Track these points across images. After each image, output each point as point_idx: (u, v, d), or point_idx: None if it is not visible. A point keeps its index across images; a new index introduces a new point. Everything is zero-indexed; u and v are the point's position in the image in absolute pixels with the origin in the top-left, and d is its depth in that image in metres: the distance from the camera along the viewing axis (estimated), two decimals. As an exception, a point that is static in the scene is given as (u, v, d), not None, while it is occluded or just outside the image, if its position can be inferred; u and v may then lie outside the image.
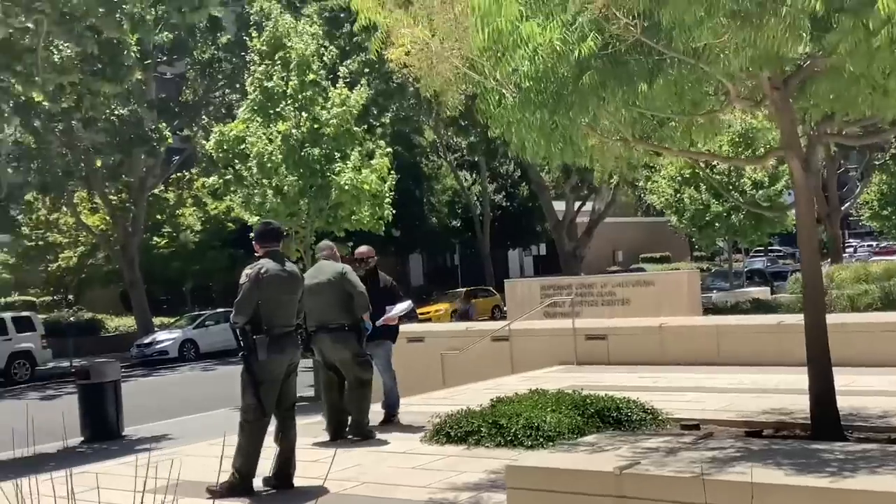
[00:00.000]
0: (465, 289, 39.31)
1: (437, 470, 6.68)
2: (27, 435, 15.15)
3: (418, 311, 35.37)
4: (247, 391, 6.35)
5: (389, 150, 17.94)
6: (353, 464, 7.11)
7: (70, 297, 38.79)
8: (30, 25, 13.92)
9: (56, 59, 14.70)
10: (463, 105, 7.31)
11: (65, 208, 31.89)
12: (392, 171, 18.11)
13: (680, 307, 14.21)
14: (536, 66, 5.94)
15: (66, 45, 14.72)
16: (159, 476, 6.69)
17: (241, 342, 6.37)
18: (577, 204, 37.71)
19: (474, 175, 45.85)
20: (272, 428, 6.50)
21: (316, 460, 7.29)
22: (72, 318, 32.91)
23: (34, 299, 40.93)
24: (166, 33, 29.66)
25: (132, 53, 17.77)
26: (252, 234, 7.06)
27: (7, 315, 26.86)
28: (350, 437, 8.09)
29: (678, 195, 29.70)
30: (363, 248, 9.13)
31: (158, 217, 34.60)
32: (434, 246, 47.27)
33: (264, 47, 17.15)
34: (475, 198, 45.16)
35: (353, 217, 17.06)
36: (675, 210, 30.32)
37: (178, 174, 35.69)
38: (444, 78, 6.48)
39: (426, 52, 6.14)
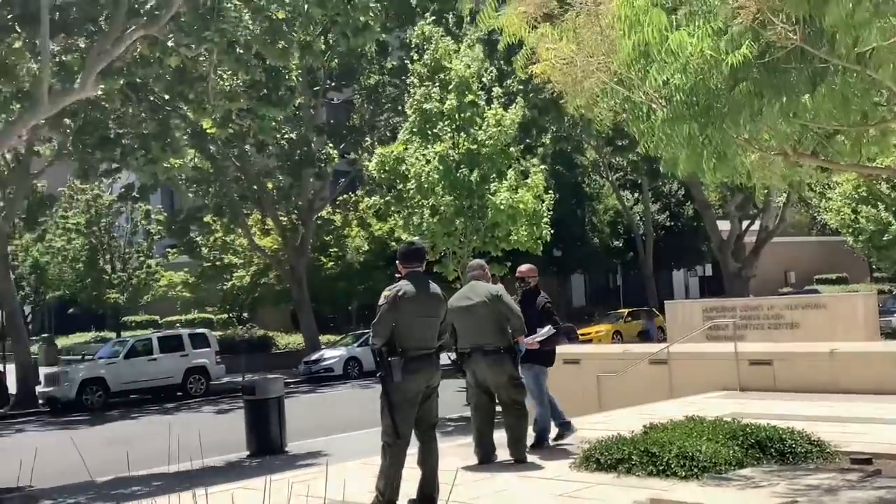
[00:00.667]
0: (635, 309, 38.46)
1: (582, 498, 6.46)
2: (199, 448, 15.95)
3: (579, 332, 34.99)
4: (384, 413, 6.34)
5: (544, 167, 17.79)
6: (499, 488, 6.97)
7: (244, 315, 40.53)
8: (202, 54, 14.61)
9: (225, 87, 15.37)
10: (611, 121, 7.09)
11: (239, 230, 33.34)
12: (550, 191, 17.93)
13: (855, 331, 13.35)
14: (687, 77, 5.69)
15: (232, 73, 15.37)
16: (312, 494, 6.81)
17: (379, 364, 6.37)
18: (745, 223, 36.32)
19: (637, 195, 45.00)
20: (415, 450, 6.46)
21: (461, 484, 7.19)
22: (245, 336, 34.30)
23: (212, 317, 43.02)
24: (336, 60, 30.62)
25: (295, 78, 18.44)
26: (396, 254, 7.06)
27: (184, 332, 28.28)
28: (505, 460, 7.97)
29: (854, 214, 28.14)
30: (524, 267, 8.94)
31: (326, 238, 35.67)
32: (596, 266, 46.63)
33: (425, 70, 17.40)
34: (638, 217, 44.29)
35: (510, 237, 16.97)
36: (851, 230, 28.73)
37: (345, 196, 36.70)
38: (590, 93, 6.31)
39: (571, 67, 5.98)
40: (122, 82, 14.38)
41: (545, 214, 17.25)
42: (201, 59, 14.61)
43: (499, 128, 16.71)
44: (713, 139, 5.99)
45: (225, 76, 15.82)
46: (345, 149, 31.17)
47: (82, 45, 14.94)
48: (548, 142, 28.99)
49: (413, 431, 6.44)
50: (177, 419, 21.57)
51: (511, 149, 17.27)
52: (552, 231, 17.61)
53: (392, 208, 17.74)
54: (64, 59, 14.57)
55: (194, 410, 22.74)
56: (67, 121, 21.22)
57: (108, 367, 25.04)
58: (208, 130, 16.07)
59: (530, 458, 7.98)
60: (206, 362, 26.48)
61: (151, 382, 25.62)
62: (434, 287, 6.71)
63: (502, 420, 8.06)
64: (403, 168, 17.01)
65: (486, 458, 7.98)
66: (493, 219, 16.52)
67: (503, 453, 8.00)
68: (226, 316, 41.61)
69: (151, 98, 15.92)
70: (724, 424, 7.66)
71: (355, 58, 30.37)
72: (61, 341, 42.66)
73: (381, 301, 6.49)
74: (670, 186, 44.88)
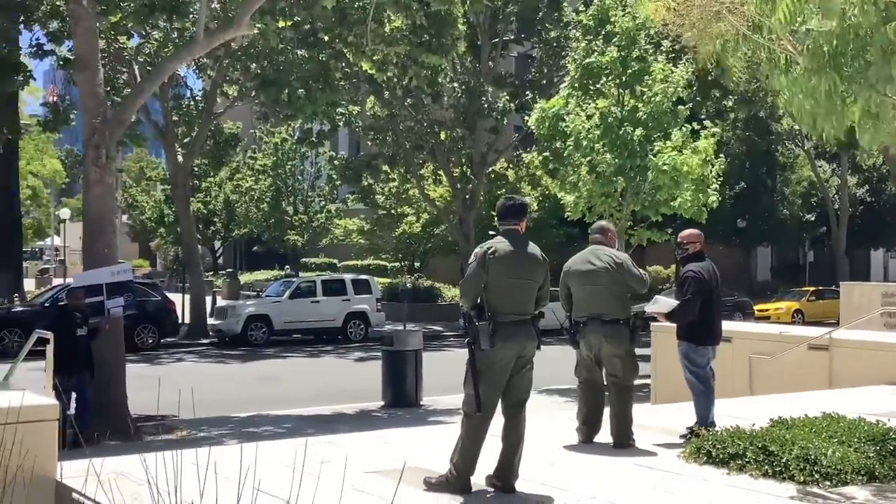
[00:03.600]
0: (821, 287, 36.02)
1: (681, 494, 5.77)
2: (338, 393, 16.16)
3: (756, 308, 33.16)
4: (468, 382, 5.83)
5: (717, 130, 16.55)
6: (593, 473, 6.37)
7: (416, 264, 40.95)
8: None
9: (386, 31, 15.09)
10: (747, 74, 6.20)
11: (412, 180, 33.48)
12: (721, 155, 16.72)
13: None
14: (833, 22, 4.80)
15: (395, 16, 15.05)
16: (396, 457, 6.47)
17: (466, 328, 5.85)
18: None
19: (834, 166, 42.03)
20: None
21: (553, 464, 6.63)
22: (408, 285, 34.56)
23: (386, 264, 43.79)
24: (515, 11, 29.96)
25: (460, 26, 17.98)
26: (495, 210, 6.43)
27: (347, 277, 28.76)
28: (609, 442, 7.32)
29: None
30: (684, 232, 7.99)
31: (498, 193, 35.30)
32: (784, 240, 44.06)
33: (590, 22, 16.54)
34: (834, 191, 41.40)
35: (672, 201, 15.95)
36: None
37: (518, 152, 36.16)
38: (720, 39, 5.48)
39: (689, 7, 5.18)
40: (279, 23, 14.36)
41: (713, 181, 16.09)
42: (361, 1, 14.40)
43: (665, 84, 15.65)
44: (861, 95, 5.07)
45: (388, 20, 15.54)
46: (521, 103, 30.54)
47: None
48: (731, 104, 27.22)
49: (499, 405, 5.93)
50: (327, 362, 21.96)
51: (680, 107, 16.17)
52: (718, 198, 16.35)
53: (550, 165, 17.08)
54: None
55: (345, 356, 23.05)
56: (253, 65, 21.83)
57: (273, 306, 25.78)
58: (368, 71, 15.86)
59: (642, 444, 7.28)
60: (366, 308, 26.80)
61: (313, 324, 26.21)
62: (533, 247, 6.12)
63: (608, 398, 7.40)
64: (563, 125, 16.27)
65: (588, 438, 7.36)
66: (654, 181, 15.55)
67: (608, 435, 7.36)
68: (398, 264, 42.21)
69: (311, 39, 15.89)
70: (865, 426, 6.72)
71: (534, 10, 29.57)
72: (245, 277, 44.60)
73: (471, 259, 5.97)
74: (874, 161, 41.66)
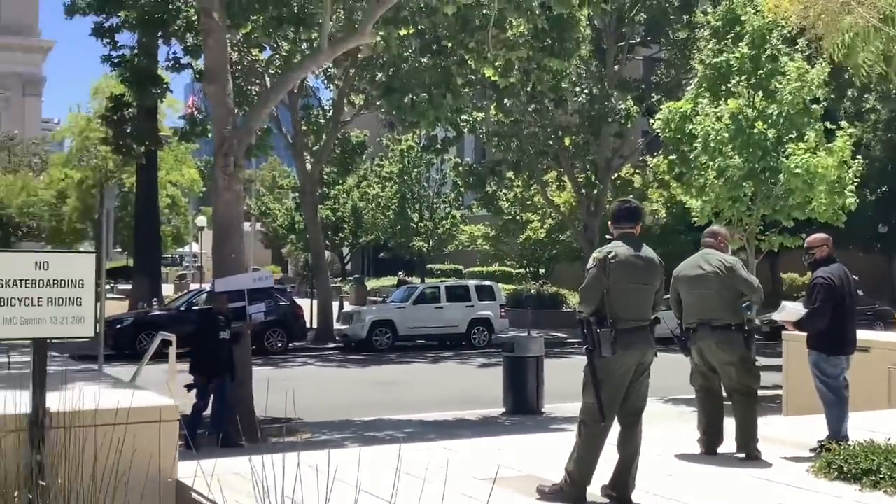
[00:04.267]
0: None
1: (806, 512, 5.49)
2: (460, 399, 16.17)
3: (899, 318, 31.51)
4: (587, 390, 5.71)
5: (854, 131, 15.79)
6: (713, 486, 6.13)
7: (541, 270, 40.72)
8: (482, 2, 14.36)
9: (508, 36, 15.03)
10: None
11: (536, 186, 33.30)
12: (859, 157, 15.95)
13: None
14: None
15: (515, 21, 14.98)
16: (512, 464, 6.40)
17: (585, 335, 5.73)
18: None
19: None
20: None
21: (672, 475, 6.42)
22: (532, 291, 34.37)
23: (511, 271, 43.71)
24: (640, 10, 29.45)
25: (583, 30, 17.77)
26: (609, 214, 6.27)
27: (471, 283, 28.80)
28: (732, 453, 7.04)
29: None
30: (812, 237, 7.71)
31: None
32: (932, 246, 41.69)
33: (718, 23, 16.05)
34: None
35: (806, 206, 15.29)
36: None
37: (645, 156, 35.49)
38: (851, 33, 5.18)
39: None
40: (402, 31, 14.49)
41: (850, 182, 15.35)
42: (482, 4, 14.37)
43: (801, 83, 15.03)
44: None
45: (510, 25, 15.49)
46: (647, 107, 29.96)
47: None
48: (871, 104, 25.99)
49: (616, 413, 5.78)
50: (449, 368, 22.02)
51: (814, 106, 15.50)
52: (856, 201, 15.56)
53: (676, 169, 16.66)
54: (344, 7, 15.00)
55: (467, 362, 23.07)
56: (378, 74, 22.17)
57: (398, 312, 26.06)
58: (491, 78, 15.84)
59: (768, 455, 6.97)
60: (490, 314, 26.79)
61: (436, 329, 26.37)
62: (648, 251, 5.95)
63: (731, 407, 7.12)
64: (690, 127, 15.84)
65: (709, 449, 7.10)
66: (786, 184, 14.94)
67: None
68: (523, 271, 42.06)
69: (434, 47, 15.98)
70: None
71: (662, 12, 28.97)
72: (371, 283, 45.29)
73: (590, 265, 5.85)
74: None
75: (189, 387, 11.61)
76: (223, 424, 11.38)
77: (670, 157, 16.76)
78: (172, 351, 7.64)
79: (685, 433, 7.75)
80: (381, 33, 13.66)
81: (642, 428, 5.83)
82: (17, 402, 5.03)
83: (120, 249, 39.77)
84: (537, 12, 14.74)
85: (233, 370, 11.86)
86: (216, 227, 12.82)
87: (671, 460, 6.88)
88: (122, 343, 22.04)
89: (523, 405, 14.40)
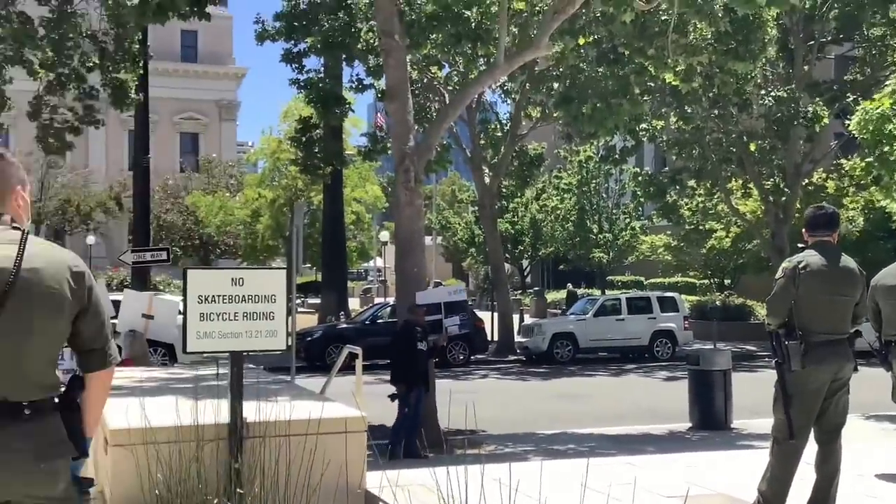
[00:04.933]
0: None
1: None
2: (643, 413, 15.82)
3: None
4: (777, 405, 5.45)
5: None
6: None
7: (726, 281, 39.40)
8: (661, 7, 14.06)
9: (690, 41, 14.64)
10: None
11: (720, 194, 32.26)
12: None
13: None
14: None
15: (696, 25, 14.57)
16: (699, 482, 6.19)
17: (774, 348, 5.47)
18: None
19: None
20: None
21: (876, 497, 6.02)
22: (717, 303, 33.27)
23: (695, 281, 42.53)
24: (834, 11, 28.08)
25: (770, 31, 17.04)
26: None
27: (653, 294, 28.19)
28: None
29: None
30: None
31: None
32: None
33: (918, 13, 15.08)
34: None
35: None
36: None
37: (839, 160, 33.71)
38: None
39: None
40: (580, 41, 14.38)
41: None
42: (661, 10, 14.06)
43: None
44: None
45: (691, 29, 15.10)
46: (839, 108, 28.47)
47: (540, 7, 15.25)
48: None
49: (812, 431, 5.49)
50: (632, 381, 21.59)
51: None
52: None
53: (874, 172, 15.72)
54: (520, 20, 15.03)
55: (651, 375, 22.55)
56: (555, 85, 22.14)
57: (578, 324, 25.83)
58: (672, 84, 15.49)
59: None
60: (673, 326, 26.13)
61: (618, 342, 25.96)
62: (847, 260, 5.62)
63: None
64: (890, 127, 14.91)
65: (918, 471, 6.63)
66: None
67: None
68: (707, 281, 40.84)
69: (612, 55, 15.76)
70: None
71: (858, 7, 27.46)
72: (551, 295, 45.16)
73: (779, 275, 5.60)
74: None
75: (392, 397, 11.90)
76: (414, 436, 11.59)
77: (868, 160, 15.85)
78: (359, 363, 7.85)
79: (887, 452, 7.28)
80: (557, 45, 13.61)
81: (841, 446, 5.50)
82: (216, 412, 5.29)
83: (309, 265, 41.37)
84: (720, 15, 14.29)
85: (427, 382, 12.07)
86: (398, 242, 13.12)
87: (872, 481, 6.47)
88: (313, 355, 22.90)
89: (710, 420, 13.94)
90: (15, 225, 2.85)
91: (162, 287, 32.73)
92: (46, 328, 2.76)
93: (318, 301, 35.74)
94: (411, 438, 11.51)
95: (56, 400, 2.82)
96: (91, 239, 45.96)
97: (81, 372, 2.93)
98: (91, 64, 22.93)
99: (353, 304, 40.22)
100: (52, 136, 23.65)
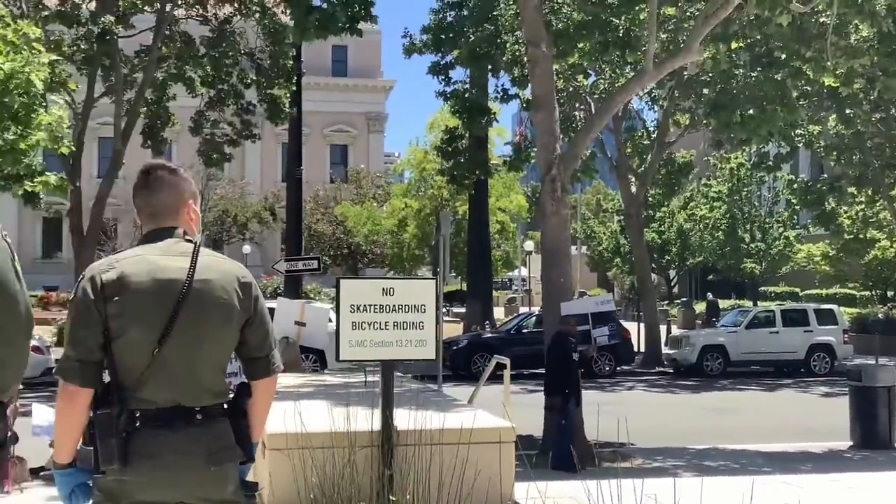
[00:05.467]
0: None
1: None
2: (799, 430, 15.18)
3: None
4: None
5: None
6: None
7: (889, 293, 37.48)
8: (819, 8, 13.54)
9: (850, 43, 14.04)
10: None
11: (883, 201, 30.72)
12: None
13: None
14: None
15: (861, 25, 13.96)
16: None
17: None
18: None
19: None
20: None
21: None
22: (880, 315, 31.65)
23: (854, 293, 40.61)
24: None
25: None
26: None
27: (810, 306, 27.06)
28: None
29: None
30: None
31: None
32: None
33: None
34: None
35: None
36: None
37: None
38: None
39: None
40: (732, 45, 13.98)
41: None
42: (819, 12, 13.54)
43: None
44: None
45: (851, 30, 14.48)
46: None
47: (691, 12, 14.94)
48: None
49: None
50: (787, 396, 20.78)
51: None
52: None
53: None
54: (669, 26, 14.75)
55: (807, 390, 21.64)
56: (705, 91, 21.65)
57: (729, 336, 25.06)
58: (832, 87, 14.86)
59: None
60: (831, 340, 24.98)
61: (772, 355, 25.01)
62: None
63: None
64: None
65: None
66: None
67: None
68: (868, 293, 38.95)
69: (766, 59, 15.27)
70: None
71: None
72: (699, 306, 44.04)
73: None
74: None
75: (550, 408, 11.84)
76: (567, 447, 11.50)
77: None
78: (507, 374, 7.85)
79: None
80: (708, 50, 13.29)
81: None
82: (368, 419, 5.40)
83: (454, 274, 41.75)
84: (882, 15, 13.63)
85: (578, 393, 11.97)
86: (544, 252, 13.08)
87: None
88: (458, 364, 23.06)
89: (873, 439, 13.25)
90: (187, 237, 2.99)
91: (312, 295, 33.74)
92: (217, 336, 2.89)
93: (463, 310, 36.00)
94: (565, 450, 11.40)
95: (224, 406, 2.94)
96: (247, 248, 47.78)
97: (247, 379, 3.04)
98: (248, 81, 23.93)
99: (498, 313, 40.31)
100: (212, 149, 24.82)
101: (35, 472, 8.63)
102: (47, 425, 8.04)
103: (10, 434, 2.76)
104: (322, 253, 42.44)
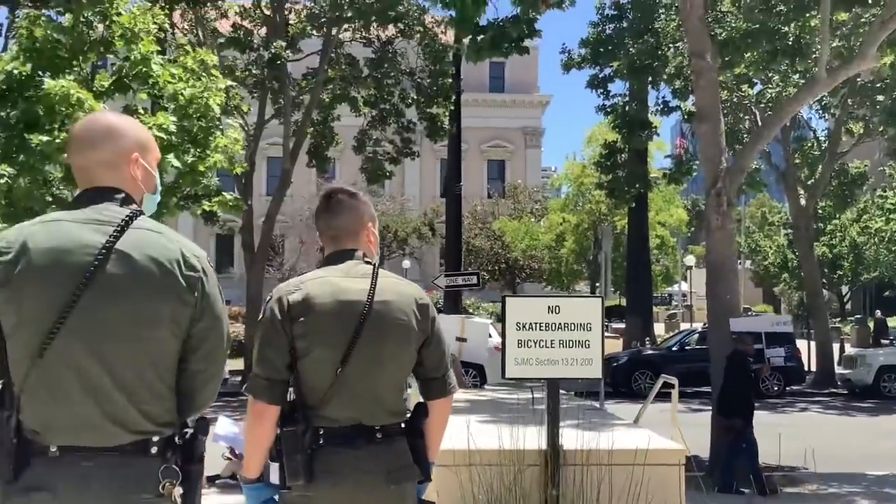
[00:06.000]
0: None
1: None
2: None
3: None
4: None
5: None
6: None
7: None
8: None
9: None
10: None
11: None
12: None
13: None
14: None
15: None
16: None
17: None
18: None
19: None
20: None
21: None
22: None
23: None
24: None
25: None
26: None
27: None
28: None
29: None
30: None
31: None
32: None
33: None
34: None
35: None
36: None
37: None
38: None
39: None
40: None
41: None
42: None
43: None
44: None
45: None
46: None
47: (865, 18, 14.24)
48: None
49: None
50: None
51: None
52: None
53: None
54: (843, 31, 14.09)
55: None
56: (879, 98, 20.61)
57: (912, 356, 23.68)
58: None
59: None
60: None
61: (959, 377, 23.45)
62: None
63: None
64: None
65: None
66: None
67: None
68: None
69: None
70: None
71: None
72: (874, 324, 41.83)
73: None
74: None
75: (725, 429, 11.50)
76: (729, 468, 11.15)
77: None
78: (675, 393, 7.68)
79: None
80: (885, 56, 12.66)
81: None
82: (535, 436, 5.39)
83: (613, 289, 41.22)
84: None
85: (751, 413, 11.55)
86: (709, 267, 12.72)
87: None
88: (618, 381, 22.73)
89: None
90: (367, 259, 3.08)
91: (471, 310, 34.02)
92: (396, 357, 2.96)
93: (622, 325, 35.47)
94: (736, 473, 11.05)
95: (402, 425, 3.00)
96: (406, 263, 48.70)
97: (423, 399, 3.09)
98: (409, 100, 24.46)
99: (658, 329, 39.51)
100: (374, 167, 25.48)
101: (211, 480, 9.04)
102: (229, 435, 8.43)
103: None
104: (480, 268, 42.75)
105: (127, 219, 2.32)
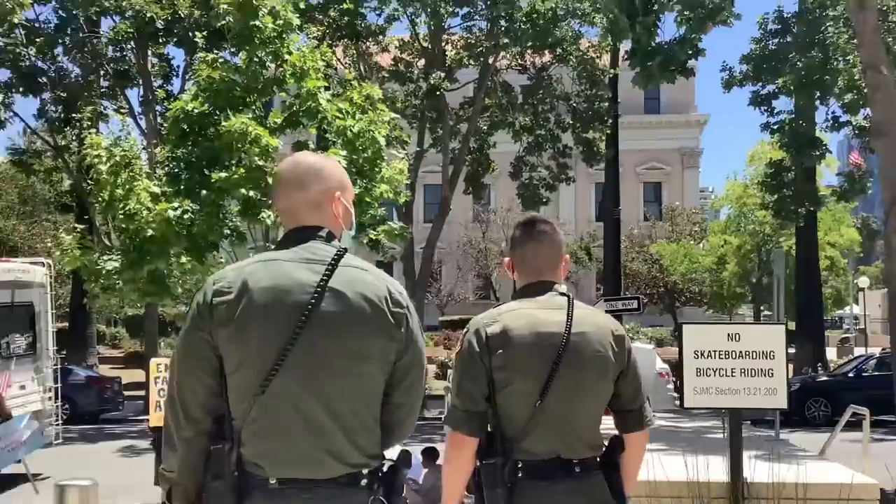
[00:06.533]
0: None
1: None
2: None
3: None
4: None
5: None
6: None
7: None
8: None
9: None
10: None
11: None
12: None
13: None
14: None
15: None
16: None
17: None
18: None
19: None
20: None
21: None
22: None
23: None
24: None
25: None
26: None
27: None
28: None
29: None
30: None
31: None
32: None
33: None
34: None
35: None
36: None
37: None
38: None
39: None
40: None
41: None
42: None
43: None
44: None
45: None
46: None
47: None
48: None
49: None
50: None
51: None
52: None
53: None
54: None
55: None
56: None
57: None
58: None
59: None
60: None
61: None
62: None
63: None
64: None
65: None
66: None
67: None
68: None
69: None
70: None
71: None
72: None
73: None
74: None
75: None
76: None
77: None
78: (866, 424, 7.30)
79: None
80: None
81: None
82: (718, 468, 5.24)
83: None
84: None
85: None
86: (891, 291, 12.06)
87: None
88: (791, 408, 21.76)
89: None
90: (561, 291, 3.08)
91: (632, 335, 33.42)
92: (593, 389, 2.94)
93: (792, 350, 34.04)
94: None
95: (598, 459, 2.97)
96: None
97: (619, 432, 3.06)
98: (565, 125, 24.42)
99: (830, 353, 37.70)
100: (530, 193, 25.52)
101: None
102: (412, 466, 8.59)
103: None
104: (637, 291, 41.94)
105: (336, 257, 2.40)
